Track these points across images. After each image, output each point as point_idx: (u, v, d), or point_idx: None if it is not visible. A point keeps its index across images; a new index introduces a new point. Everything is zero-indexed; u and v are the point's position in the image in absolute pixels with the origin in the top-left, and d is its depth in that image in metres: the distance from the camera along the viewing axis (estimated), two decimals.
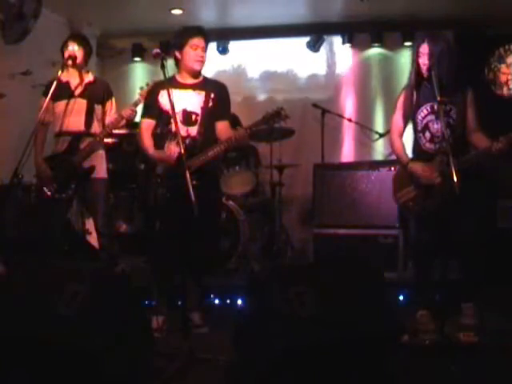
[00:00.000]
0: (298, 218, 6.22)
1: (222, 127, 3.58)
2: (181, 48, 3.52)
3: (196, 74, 3.58)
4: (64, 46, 4.07)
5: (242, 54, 6.65)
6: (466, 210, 3.26)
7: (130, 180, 5.39)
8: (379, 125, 6.20)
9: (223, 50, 6.52)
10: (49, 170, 4.02)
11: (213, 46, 6.29)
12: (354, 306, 2.48)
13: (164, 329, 3.50)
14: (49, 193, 3.99)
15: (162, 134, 3.55)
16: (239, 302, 4.06)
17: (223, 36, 6.45)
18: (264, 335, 2.41)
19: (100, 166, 4.12)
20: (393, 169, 4.48)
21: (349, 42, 6.40)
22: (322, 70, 6.57)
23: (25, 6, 4.72)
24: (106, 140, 4.31)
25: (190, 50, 3.50)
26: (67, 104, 4.04)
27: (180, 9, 5.85)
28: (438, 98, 3.17)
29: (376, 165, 4.90)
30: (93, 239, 4.26)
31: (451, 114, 3.34)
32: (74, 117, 4.04)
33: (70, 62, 3.99)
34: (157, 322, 3.44)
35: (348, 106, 6.44)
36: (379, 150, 6.02)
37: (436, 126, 3.35)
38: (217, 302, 4.22)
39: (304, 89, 6.53)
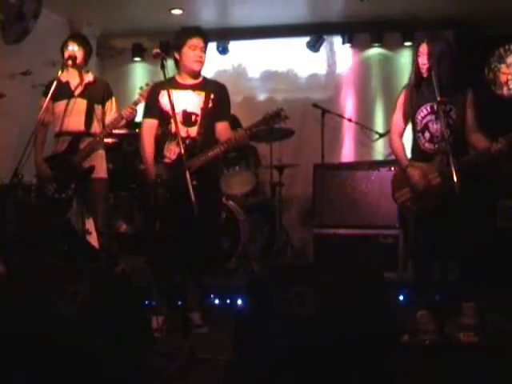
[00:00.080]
0: (298, 217, 6.23)
1: (222, 128, 3.58)
2: (179, 49, 3.52)
3: (195, 74, 3.58)
4: (64, 45, 4.07)
5: (242, 53, 6.65)
6: (465, 210, 3.25)
7: (129, 180, 5.39)
8: (379, 125, 6.20)
9: (223, 50, 6.52)
10: (49, 170, 4.02)
11: (213, 45, 6.29)
12: (354, 306, 2.48)
13: (164, 329, 3.50)
14: (49, 193, 3.99)
15: (163, 135, 3.56)
16: (239, 302, 4.06)
17: (223, 36, 6.45)
18: (264, 335, 2.41)
19: (100, 165, 4.12)
20: (393, 169, 4.48)
21: (349, 42, 6.40)
22: (322, 70, 6.57)
23: (25, 5, 4.72)
24: (106, 140, 4.31)
25: (189, 51, 3.50)
26: (67, 104, 4.04)
27: (180, 9, 5.85)
28: (438, 98, 3.17)
29: (376, 165, 4.90)
30: (93, 239, 4.26)
31: (451, 114, 3.33)
32: (74, 117, 4.04)
33: (70, 62, 4.00)
34: (157, 322, 3.44)
35: (348, 105, 6.44)
36: (379, 150, 6.02)
37: (435, 126, 3.35)
38: (217, 302, 4.22)
39: (304, 89, 6.54)
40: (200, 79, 3.63)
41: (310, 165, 5.12)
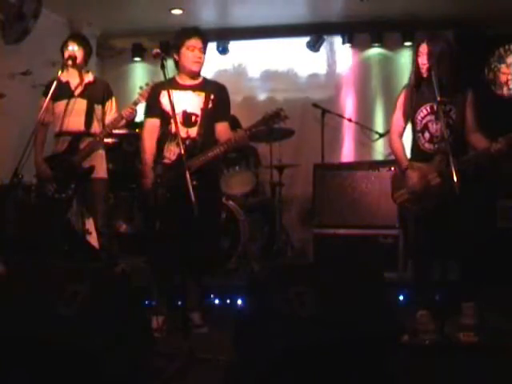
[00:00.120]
0: (297, 217, 6.23)
1: (222, 128, 3.58)
2: (178, 49, 3.52)
3: (194, 75, 3.58)
4: (64, 45, 4.07)
5: (242, 53, 6.65)
6: (465, 210, 3.25)
7: (129, 180, 5.39)
8: (379, 125, 6.21)
9: (223, 50, 6.52)
10: (49, 170, 4.02)
11: (213, 46, 6.29)
12: (354, 306, 2.48)
13: (164, 329, 3.50)
14: (49, 193, 3.99)
15: (163, 135, 3.56)
16: (239, 302, 4.06)
17: (223, 36, 6.45)
18: (264, 335, 2.41)
19: (100, 165, 4.12)
20: (393, 169, 4.48)
21: (349, 42, 6.40)
22: (322, 70, 6.58)
23: (25, 5, 4.72)
24: (106, 140, 4.31)
25: (187, 52, 3.50)
26: (67, 104, 4.04)
27: (180, 9, 5.85)
28: (438, 98, 3.17)
29: (376, 165, 4.91)
30: (93, 239, 4.26)
31: (451, 115, 3.33)
32: (74, 117, 4.04)
33: (69, 62, 4.00)
34: (157, 322, 3.44)
35: (348, 105, 6.45)
36: (379, 150, 6.02)
37: (435, 126, 3.35)
38: (217, 302, 4.22)
39: (304, 89, 6.54)
40: (200, 80, 3.63)
41: (310, 165, 5.13)
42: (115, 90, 4.35)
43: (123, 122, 4.01)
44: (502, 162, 3.36)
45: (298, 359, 2.33)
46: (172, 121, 3.27)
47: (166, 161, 3.51)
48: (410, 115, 3.45)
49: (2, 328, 2.51)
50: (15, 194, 4.27)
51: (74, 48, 4.04)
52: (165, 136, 3.54)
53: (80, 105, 4.06)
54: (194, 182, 2.97)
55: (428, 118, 3.38)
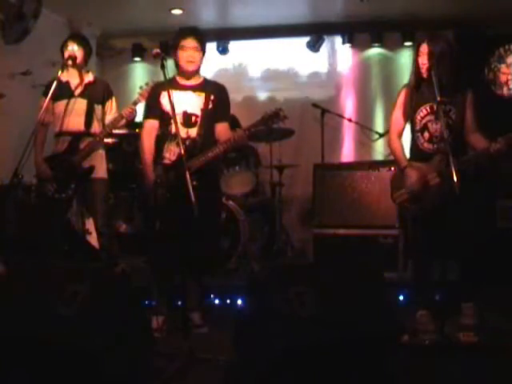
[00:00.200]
0: (297, 218, 6.23)
1: (222, 129, 3.58)
2: (175, 49, 3.53)
3: (190, 74, 3.58)
4: (64, 45, 4.07)
5: (242, 53, 6.65)
6: (465, 210, 3.25)
7: (130, 180, 5.39)
8: (379, 125, 6.21)
9: (223, 50, 6.52)
10: (49, 170, 4.02)
11: (213, 46, 6.29)
12: (354, 306, 2.48)
13: (164, 329, 3.50)
14: (49, 193, 3.99)
15: (163, 135, 3.56)
16: (239, 302, 4.06)
17: (223, 36, 6.45)
18: (264, 335, 2.42)
19: (100, 165, 4.12)
20: (393, 169, 4.48)
21: (349, 42, 6.41)
22: (322, 70, 6.58)
23: (25, 5, 4.72)
24: (106, 140, 4.31)
25: (182, 52, 3.51)
26: (67, 104, 4.04)
27: (180, 9, 5.85)
28: (438, 99, 3.17)
29: (376, 165, 4.90)
30: (93, 239, 4.26)
31: (450, 115, 3.33)
32: (73, 117, 4.04)
33: (69, 62, 3.99)
34: (157, 322, 3.44)
35: (348, 105, 6.45)
36: (379, 150, 6.02)
37: (435, 126, 3.35)
38: (217, 302, 4.22)
39: (304, 89, 6.54)
40: (200, 80, 3.63)
41: (310, 165, 5.12)
42: (115, 90, 4.35)
43: (123, 121, 4.02)
44: (501, 162, 3.37)
45: (298, 359, 2.33)
46: (172, 121, 3.27)
47: (166, 161, 3.51)
48: (409, 115, 3.45)
49: (2, 328, 2.51)
50: (15, 193, 4.28)
51: (73, 48, 4.04)
52: (165, 136, 3.54)
53: (80, 105, 4.06)
54: (194, 182, 2.97)
55: (428, 117, 3.38)
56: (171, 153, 3.50)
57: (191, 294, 3.52)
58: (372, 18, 6.07)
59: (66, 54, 4.02)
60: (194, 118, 3.52)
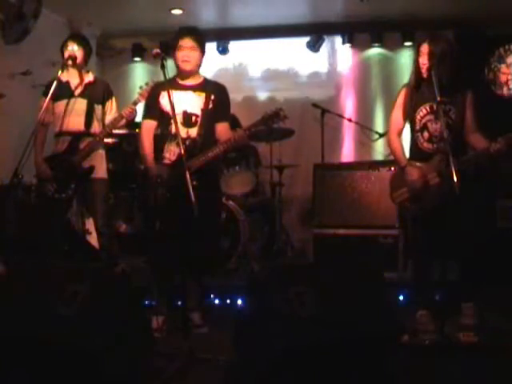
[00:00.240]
0: (297, 218, 6.23)
1: (222, 129, 3.58)
2: (174, 50, 3.54)
3: (187, 74, 3.57)
4: (64, 45, 4.07)
5: (242, 53, 6.65)
6: (465, 210, 3.25)
7: (130, 180, 5.39)
8: (379, 125, 6.21)
9: (223, 50, 6.52)
10: (49, 170, 4.02)
11: (213, 45, 6.30)
12: (354, 306, 2.48)
13: (164, 329, 3.50)
14: (49, 193, 3.99)
15: (163, 135, 3.56)
16: (239, 302, 4.06)
17: (223, 36, 6.45)
18: (264, 335, 2.41)
19: (100, 165, 4.12)
20: (393, 169, 4.48)
21: (349, 42, 6.41)
22: (322, 70, 6.58)
23: (25, 5, 4.72)
24: (106, 140, 4.31)
25: (178, 51, 3.52)
26: (67, 104, 4.04)
27: (180, 9, 5.85)
28: (438, 99, 3.17)
29: (376, 165, 4.90)
30: (93, 239, 4.26)
31: (450, 115, 3.33)
32: (74, 117, 4.04)
33: (69, 62, 4.00)
34: (157, 322, 3.44)
35: (348, 105, 6.45)
36: (379, 150, 6.02)
37: (435, 126, 3.35)
38: (217, 302, 4.22)
39: (304, 89, 6.54)
40: (200, 80, 3.63)
41: (310, 165, 5.12)
42: (115, 89, 4.35)
43: (123, 121, 4.02)
44: (501, 162, 3.36)
45: (298, 359, 2.33)
46: (172, 121, 3.27)
47: (166, 161, 3.51)
48: (409, 114, 3.45)
49: (2, 328, 2.51)
50: (15, 193, 4.27)
51: (73, 48, 4.04)
52: (165, 136, 3.54)
53: (80, 105, 4.06)
54: (194, 182, 2.97)
55: (427, 117, 3.38)
56: (171, 153, 3.50)
57: (191, 293, 3.51)
58: (372, 18, 6.07)
59: (66, 54, 4.02)
60: (194, 118, 3.52)
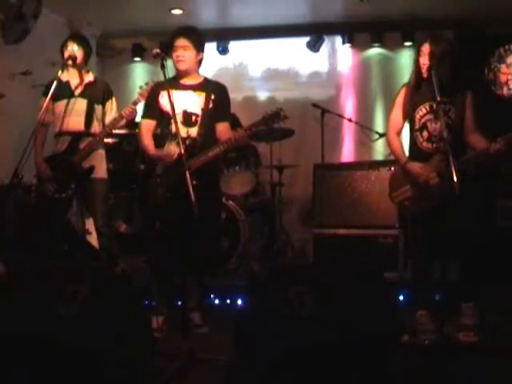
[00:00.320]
0: (297, 218, 6.23)
1: (222, 128, 3.58)
2: (171, 50, 3.54)
3: (183, 74, 3.57)
4: (64, 46, 4.07)
5: (242, 53, 6.65)
6: (465, 210, 3.25)
7: (129, 180, 5.39)
8: (379, 125, 6.21)
9: (223, 50, 6.52)
10: (49, 170, 4.02)
11: (213, 46, 6.30)
12: (354, 306, 2.48)
13: (164, 329, 3.50)
14: (49, 193, 3.99)
15: (162, 135, 3.56)
16: (239, 301, 4.07)
17: (223, 36, 6.45)
18: (264, 335, 2.42)
19: (100, 165, 4.12)
20: (393, 169, 4.48)
21: (349, 42, 6.41)
22: (322, 70, 6.58)
23: (25, 5, 4.71)
24: (106, 140, 4.31)
25: (173, 52, 3.53)
26: (67, 104, 4.04)
27: (180, 9, 5.85)
28: (438, 98, 3.17)
29: (376, 165, 4.90)
30: (93, 239, 4.26)
31: (450, 115, 3.33)
32: (74, 117, 4.04)
33: (69, 62, 4.00)
34: (157, 322, 3.45)
35: (348, 105, 6.45)
36: (379, 150, 6.02)
37: (434, 126, 3.35)
38: (217, 302, 4.23)
39: (304, 89, 6.54)
40: (200, 80, 3.63)
41: (310, 165, 5.13)
42: (115, 89, 4.35)
43: (123, 121, 4.02)
44: (501, 162, 3.37)
45: (298, 359, 2.33)
46: (172, 121, 3.27)
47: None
48: (409, 114, 3.45)
49: (2, 328, 2.51)
50: (15, 193, 4.27)
51: (73, 48, 4.04)
52: (165, 136, 3.54)
53: (80, 105, 4.06)
54: (194, 182, 2.97)
55: (427, 117, 3.38)
56: (171, 152, 3.49)
57: (191, 293, 3.52)
58: (372, 18, 6.07)
59: (66, 54, 4.02)
60: (194, 118, 3.52)
